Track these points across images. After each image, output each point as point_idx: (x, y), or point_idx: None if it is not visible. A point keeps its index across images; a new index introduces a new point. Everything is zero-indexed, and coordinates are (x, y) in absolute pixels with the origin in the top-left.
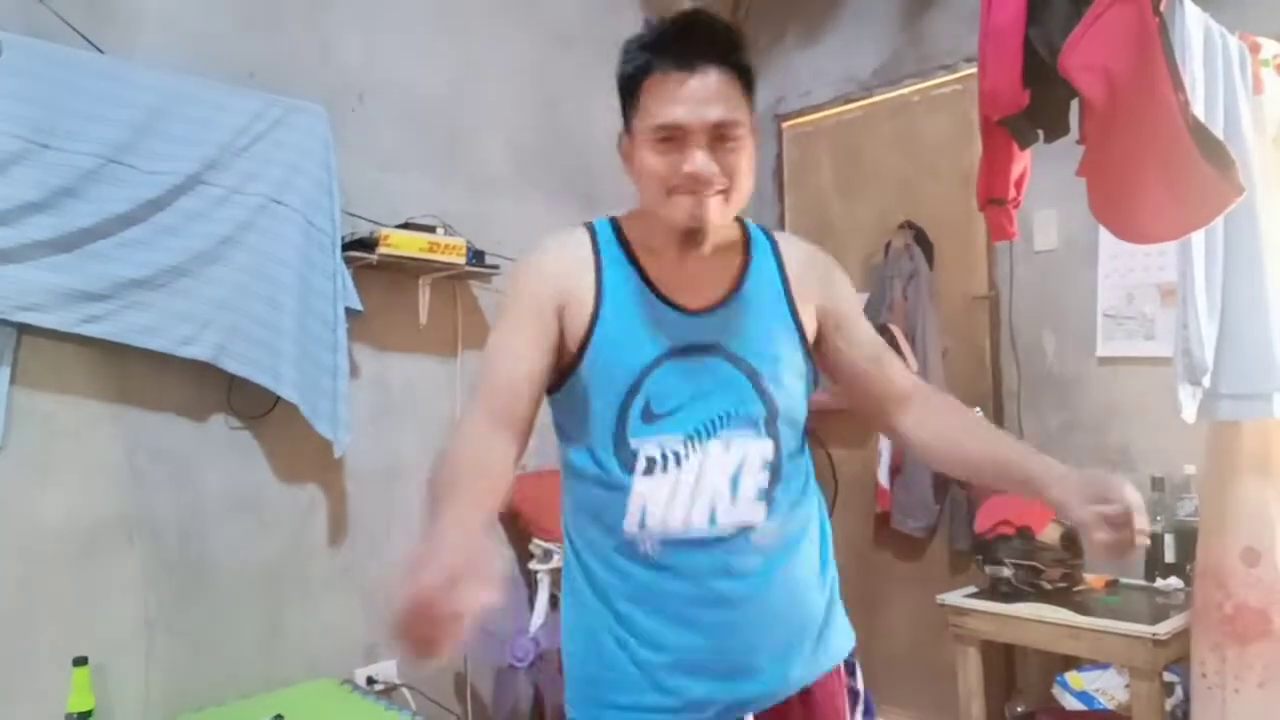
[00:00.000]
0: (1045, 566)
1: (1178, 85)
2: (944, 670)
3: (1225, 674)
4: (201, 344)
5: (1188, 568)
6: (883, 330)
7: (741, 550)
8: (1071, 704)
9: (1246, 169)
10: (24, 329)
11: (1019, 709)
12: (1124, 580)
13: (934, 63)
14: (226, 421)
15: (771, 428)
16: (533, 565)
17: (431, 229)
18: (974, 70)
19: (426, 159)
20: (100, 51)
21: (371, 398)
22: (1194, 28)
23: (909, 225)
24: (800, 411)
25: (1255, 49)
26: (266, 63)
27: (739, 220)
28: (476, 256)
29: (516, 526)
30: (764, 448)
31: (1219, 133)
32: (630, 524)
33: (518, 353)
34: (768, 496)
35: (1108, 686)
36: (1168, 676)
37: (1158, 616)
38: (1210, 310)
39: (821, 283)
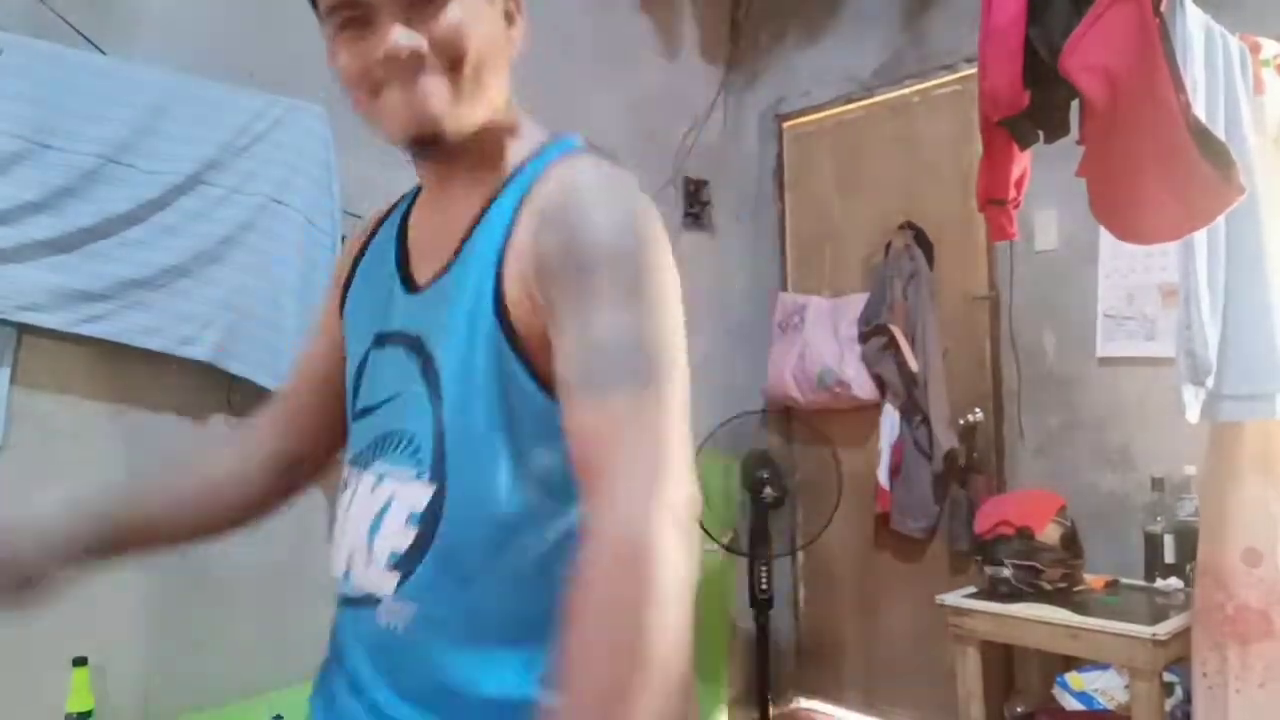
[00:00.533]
0: (1045, 567)
1: (1178, 86)
2: (943, 671)
3: (1227, 674)
4: (202, 344)
5: (1188, 568)
6: (883, 330)
7: (365, 626)
8: (1071, 704)
9: (1247, 169)
10: (24, 329)
11: (1019, 709)
12: (1124, 581)
13: (934, 63)
14: (227, 421)
15: (438, 468)
16: None
17: None
18: (974, 70)
19: None
20: (101, 51)
21: None
22: (1195, 28)
23: (909, 225)
24: (497, 447)
25: (1256, 49)
26: (267, 62)
27: (549, 140)
28: None
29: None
30: (416, 495)
31: (1220, 133)
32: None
33: (305, 342)
34: (405, 566)
35: (1107, 687)
36: (1167, 677)
37: (1157, 617)
38: (1213, 310)
39: (534, 241)
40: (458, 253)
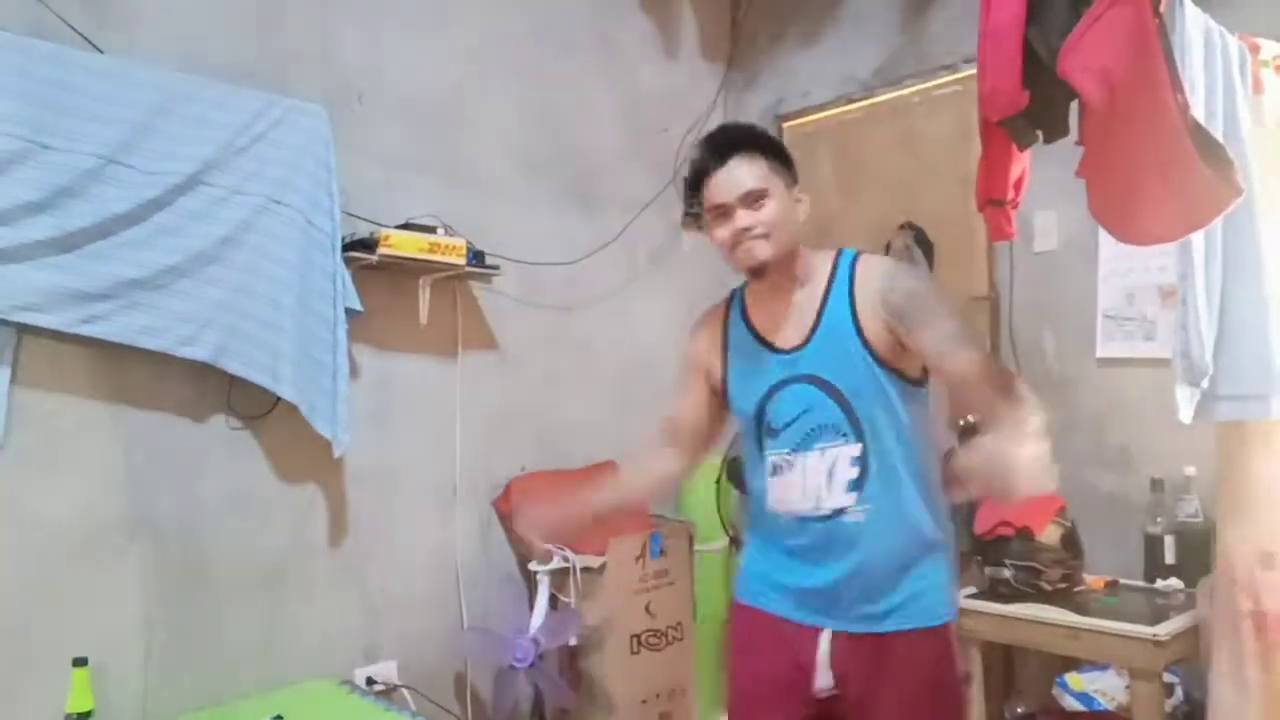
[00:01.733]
0: (1045, 567)
1: (1177, 86)
2: None
3: (1244, 675)
4: (201, 344)
5: (1187, 568)
6: None
7: (839, 524)
8: (1071, 705)
9: (1245, 170)
10: (24, 329)
11: (1019, 710)
12: (1124, 581)
13: (934, 63)
14: (226, 421)
15: (859, 431)
16: (533, 566)
17: (432, 229)
18: (974, 71)
19: (427, 159)
20: (100, 51)
21: (371, 398)
22: (1194, 28)
23: (909, 226)
24: (887, 417)
25: (1255, 49)
26: (266, 62)
27: (837, 254)
28: (477, 257)
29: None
30: (850, 450)
31: (1218, 134)
32: (772, 504)
33: (678, 400)
34: (857, 487)
35: (1108, 687)
36: (1168, 677)
37: (1158, 617)
38: (1209, 312)
39: (879, 296)
40: (817, 322)
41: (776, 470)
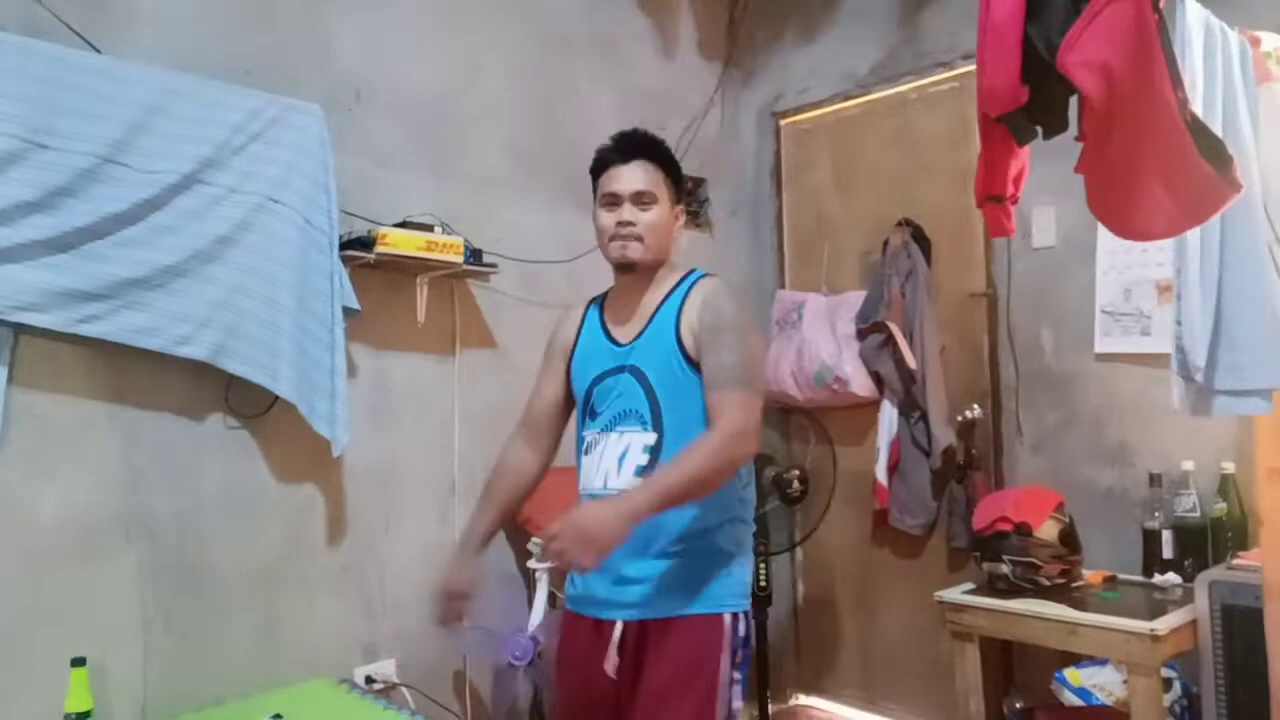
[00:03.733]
0: (1043, 563)
1: (1177, 82)
2: (942, 667)
3: None
4: (199, 343)
5: (1185, 564)
6: (880, 327)
7: None
8: (1070, 700)
9: (1245, 166)
10: (21, 329)
11: (1017, 705)
12: (1122, 576)
13: (931, 60)
14: (224, 421)
15: (657, 422)
16: (531, 564)
17: (429, 228)
18: (971, 68)
19: (424, 158)
20: (96, 50)
21: (369, 397)
22: (1194, 23)
23: (907, 222)
24: (689, 415)
25: (1255, 43)
26: (263, 61)
27: (689, 272)
28: (474, 255)
29: (514, 525)
30: (645, 438)
31: (1218, 129)
32: (580, 483)
33: (539, 385)
34: (645, 473)
35: (1106, 682)
36: (1166, 672)
37: (1156, 612)
38: (1205, 307)
39: (698, 314)
40: (650, 324)
41: (588, 449)
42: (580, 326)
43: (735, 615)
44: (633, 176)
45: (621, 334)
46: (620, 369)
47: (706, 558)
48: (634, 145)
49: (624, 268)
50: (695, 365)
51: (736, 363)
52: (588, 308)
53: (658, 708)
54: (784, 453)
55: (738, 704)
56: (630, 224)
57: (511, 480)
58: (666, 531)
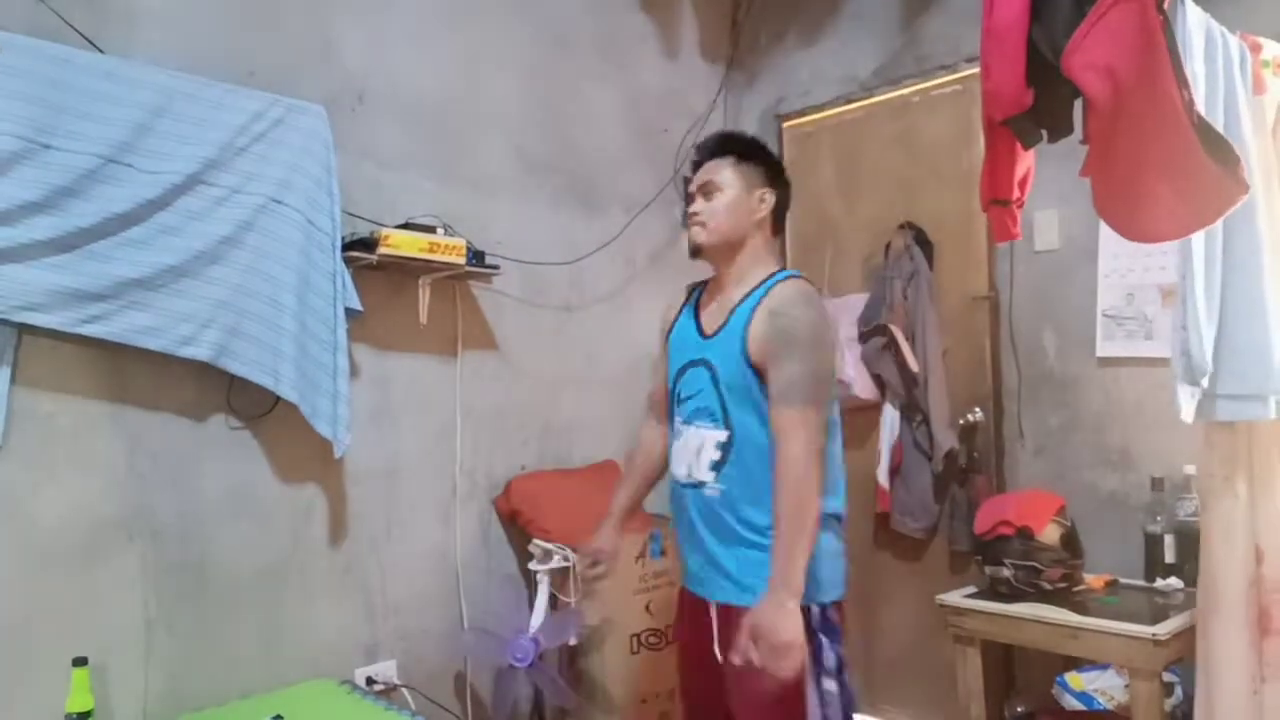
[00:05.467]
0: (1045, 567)
1: (1182, 83)
2: (944, 670)
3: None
4: (201, 344)
5: (1187, 568)
6: (883, 330)
7: (697, 496)
8: (1071, 704)
9: (1247, 168)
10: (24, 329)
11: (1019, 709)
12: (1124, 580)
13: (934, 63)
14: (226, 421)
15: (726, 420)
16: (532, 565)
17: (432, 229)
18: (974, 70)
19: (427, 159)
20: (100, 51)
21: (371, 398)
22: (1195, 27)
23: (909, 225)
24: (753, 416)
25: (1256, 49)
26: (267, 62)
27: (777, 271)
28: (477, 257)
29: (515, 526)
30: (718, 435)
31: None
32: (670, 466)
33: (656, 372)
34: (717, 468)
35: (1107, 687)
36: (1167, 677)
37: (1157, 617)
38: (1209, 311)
39: (767, 320)
40: (727, 320)
41: (677, 436)
42: (679, 313)
43: (810, 608)
44: (701, 172)
45: (708, 324)
46: (699, 361)
47: (750, 549)
48: (704, 146)
49: (693, 252)
50: (757, 369)
51: (799, 376)
52: (690, 291)
53: (747, 698)
54: None
55: (833, 700)
56: (695, 214)
57: (643, 456)
58: (744, 523)
